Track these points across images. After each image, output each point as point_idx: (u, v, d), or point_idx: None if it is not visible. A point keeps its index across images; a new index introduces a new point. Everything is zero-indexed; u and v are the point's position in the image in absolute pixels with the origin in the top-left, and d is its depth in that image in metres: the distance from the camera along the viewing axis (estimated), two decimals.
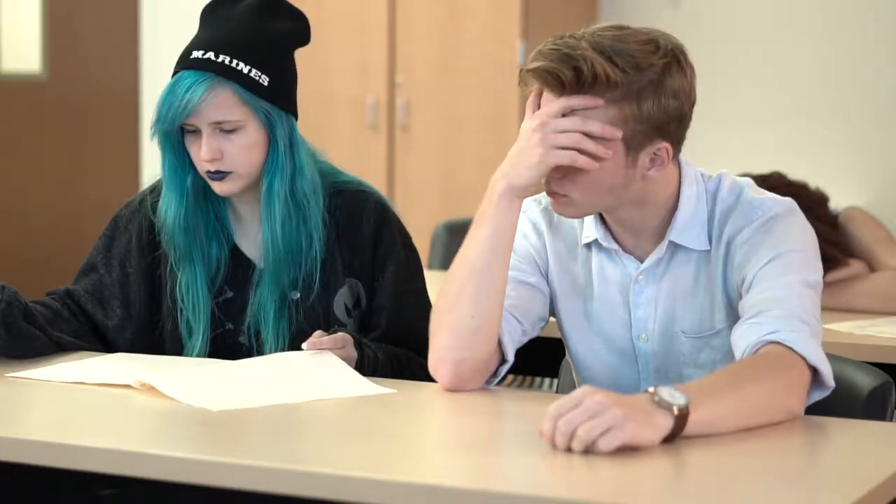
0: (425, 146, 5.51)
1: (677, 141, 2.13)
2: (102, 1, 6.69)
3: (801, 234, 2.14)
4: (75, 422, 2.05)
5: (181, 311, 2.53)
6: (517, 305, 2.22)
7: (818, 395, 2.04)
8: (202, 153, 2.43)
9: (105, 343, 2.57)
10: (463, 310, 2.13)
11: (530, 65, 2.08)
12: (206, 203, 2.54)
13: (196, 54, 2.43)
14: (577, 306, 2.27)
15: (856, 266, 3.34)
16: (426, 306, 2.41)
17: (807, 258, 2.12)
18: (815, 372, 2.01)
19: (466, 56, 5.41)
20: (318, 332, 2.37)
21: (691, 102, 2.12)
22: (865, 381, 2.20)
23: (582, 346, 2.28)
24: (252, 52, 2.43)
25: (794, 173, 3.47)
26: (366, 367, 2.36)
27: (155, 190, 2.60)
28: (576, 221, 2.27)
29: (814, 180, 3.50)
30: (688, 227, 2.17)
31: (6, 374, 2.30)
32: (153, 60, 6.14)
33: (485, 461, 1.81)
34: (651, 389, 1.81)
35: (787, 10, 5.40)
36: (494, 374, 2.20)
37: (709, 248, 2.18)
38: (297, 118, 2.51)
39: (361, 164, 5.49)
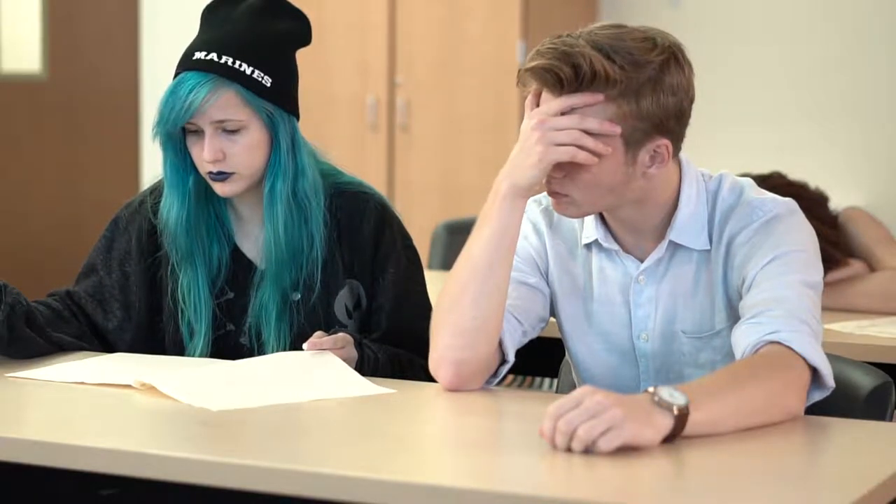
0: (425, 146, 5.51)
1: (677, 138, 2.13)
2: (102, 1, 6.69)
3: (802, 235, 2.14)
4: (75, 422, 2.05)
5: (182, 312, 2.53)
6: (517, 306, 2.22)
7: (818, 396, 2.04)
8: (205, 154, 2.43)
9: (105, 344, 2.57)
10: (465, 310, 2.13)
11: (528, 64, 2.09)
12: (207, 204, 2.54)
13: (198, 55, 2.43)
14: (577, 306, 2.27)
15: (856, 266, 3.34)
16: (426, 307, 2.41)
17: (807, 258, 2.12)
18: (815, 372, 2.01)
19: (466, 56, 5.41)
20: (318, 333, 2.37)
21: (690, 99, 2.13)
22: (865, 381, 2.20)
23: (582, 346, 2.28)
24: (254, 53, 2.43)
25: (794, 173, 3.47)
26: (366, 367, 2.36)
27: (155, 191, 2.60)
28: (576, 222, 2.27)
29: (814, 180, 3.50)
30: (688, 226, 2.17)
31: (6, 374, 2.30)
32: (153, 60, 6.14)
33: (485, 461, 1.81)
34: (651, 389, 1.81)
35: (787, 11, 5.40)
36: (494, 374, 2.20)
37: (709, 247, 2.18)
38: (298, 119, 2.51)
39: (361, 164, 5.49)
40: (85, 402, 2.15)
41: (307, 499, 1.70)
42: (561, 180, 2.11)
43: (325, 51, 5.56)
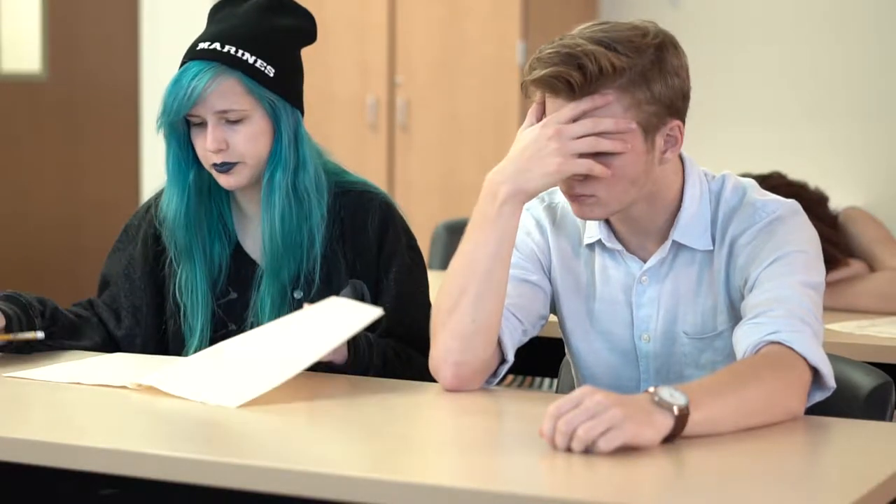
0: (425, 146, 5.51)
1: (684, 120, 2.14)
2: (102, 1, 6.69)
3: (804, 236, 2.14)
4: (75, 422, 2.05)
5: (183, 310, 2.53)
6: (518, 304, 2.22)
7: (819, 396, 2.04)
8: (208, 143, 2.43)
9: (120, 352, 2.57)
10: (464, 314, 2.13)
11: (533, 75, 2.08)
12: (209, 201, 2.55)
13: (202, 45, 2.45)
14: (579, 306, 2.27)
15: (856, 266, 3.34)
16: (429, 307, 2.41)
17: (809, 259, 2.12)
18: (816, 373, 2.01)
19: (466, 56, 5.41)
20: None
21: (689, 80, 2.14)
22: (865, 381, 2.20)
23: (583, 345, 2.28)
24: (258, 44, 2.44)
25: (794, 173, 3.47)
26: (361, 360, 2.36)
27: (161, 195, 2.60)
28: (579, 220, 2.27)
29: (814, 180, 3.50)
30: (691, 226, 2.17)
31: (4, 374, 2.30)
32: (153, 60, 6.14)
33: (485, 461, 1.81)
34: (651, 389, 1.81)
35: (787, 11, 5.40)
36: (494, 373, 2.20)
37: (712, 248, 2.18)
38: (303, 114, 2.51)
39: (361, 164, 5.49)
40: (85, 402, 2.14)
41: (307, 499, 1.70)
42: (583, 182, 2.10)
43: (325, 51, 5.56)
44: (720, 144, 5.28)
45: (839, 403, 2.12)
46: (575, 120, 2.07)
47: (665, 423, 1.79)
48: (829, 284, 2.88)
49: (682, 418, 1.80)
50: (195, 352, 2.49)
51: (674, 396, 1.81)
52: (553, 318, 2.32)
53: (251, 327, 2.50)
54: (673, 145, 2.13)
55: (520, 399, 2.34)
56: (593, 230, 2.24)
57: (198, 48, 2.45)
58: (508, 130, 5.25)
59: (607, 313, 2.25)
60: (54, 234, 6.84)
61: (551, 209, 2.30)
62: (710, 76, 5.33)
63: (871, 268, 3.36)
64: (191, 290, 2.52)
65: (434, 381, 2.20)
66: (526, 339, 2.25)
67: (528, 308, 2.24)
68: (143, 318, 2.57)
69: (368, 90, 5.55)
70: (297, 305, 2.48)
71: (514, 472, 1.76)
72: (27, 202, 6.90)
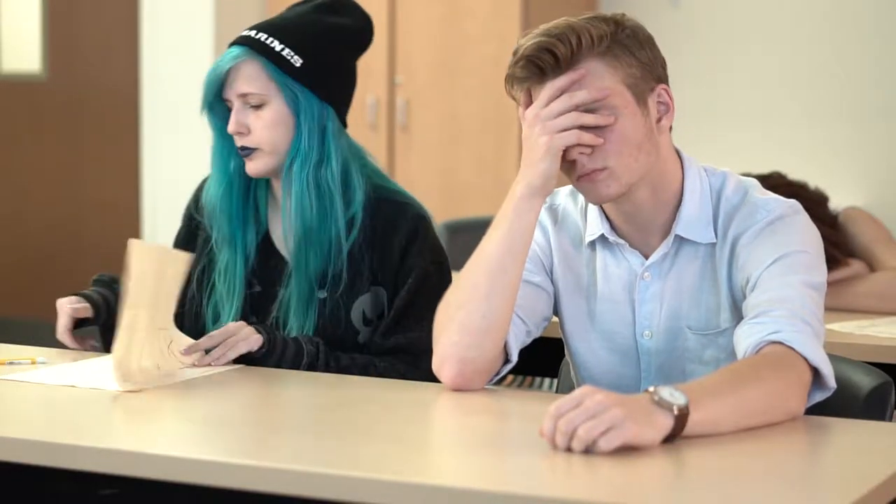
0: (425, 146, 5.51)
1: (668, 87, 2.17)
2: (102, 1, 6.69)
3: (806, 236, 2.15)
4: (75, 422, 2.05)
5: (210, 295, 2.55)
6: (522, 305, 2.22)
7: (819, 396, 2.04)
8: (229, 126, 2.48)
9: None
10: (474, 309, 2.13)
11: (516, 66, 2.11)
12: (248, 190, 2.58)
13: (243, 33, 2.51)
14: (580, 305, 2.27)
15: (856, 266, 3.34)
16: (427, 321, 2.32)
17: (811, 259, 2.12)
18: (816, 373, 2.01)
19: (466, 56, 5.41)
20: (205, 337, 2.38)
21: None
22: (865, 381, 2.20)
23: (583, 345, 2.28)
24: (290, 34, 2.49)
25: (794, 173, 3.47)
26: (277, 350, 2.39)
27: (207, 180, 2.65)
28: (580, 220, 2.27)
29: (814, 180, 3.50)
30: (693, 220, 2.18)
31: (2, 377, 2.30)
32: (153, 60, 6.14)
33: (485, 461, 1.81)
34: (651, 389, 1.82)
35: (786, 11, 5.40)
36: (496, 372, 2.21)
37: (715, 240, 2.18)
38: (339, 113, 2.53)
39: None
40: (85, 402, 2.14)
41: (307, 499, 1.70)
42: (591, 157, 2.10)
43: None
44: (720, 144, 5.28)
45: (839, 403, 2.12)
46: (552, 100, 2.09)
47: (665, 423, 1.80)
48: (829, 284, 2.87)
49: (682, 418, 1.80)
50: None
51: (674, 396, 1.81)
52: (554, 318, 2.32)
53: (275, 322, 2.51)
54: (666, 112, 2.15)
55: (520, 399, 2.35)
56: (595, 226, 2.24)
57: (240, 35, 2.51)
58: (508, 130, 5.25)
59: (608, 312, 2.25)
60: (54, 234, 6.84)
61: (553, 210, 2.30)
62: (710, 76, 5.33)
63: (871, 268, 3.36)
64: (229, 276, 2.55)
65: (437, 381, 2.19)
66: (529, 341, 2.25)
67: (531, 309, 2.24)
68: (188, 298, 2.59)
69: (368, 90, 5.55)
70: (322, 305, 2.48)
71: (515, 471, 1.76)
72: (27, 202, 6.90)
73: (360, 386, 2.30)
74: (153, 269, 2.25)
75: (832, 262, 3.19)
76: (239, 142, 2.49)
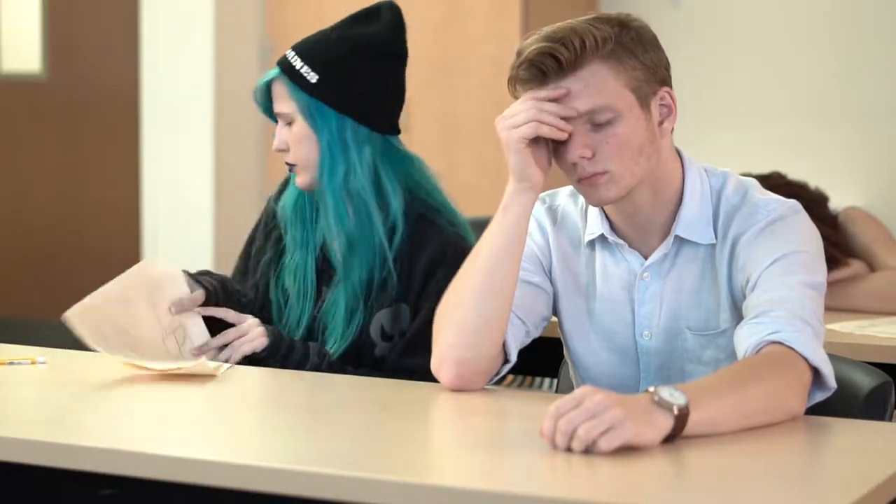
0: (425, 146, 5.50)
1: (672, 89, 2.16)
2: (102, 1, 6.69)
3: (806, 236, 2.15)
4: (75, 422, 2.05)
5: (287, 299, 2.60)
6: (521, 305, 2.22)
7: (820, 397, 2.04)
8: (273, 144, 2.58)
9: None
10: (469, 307, 2.13)
11: (519, 68, 2.11)
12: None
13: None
14: (579, 305, 2.27)
15: (856, 266, 3.34)
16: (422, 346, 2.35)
17: (811, 259, 2.12)
18: (816, 373, 2.01)
19: (466, 56, 5.41)
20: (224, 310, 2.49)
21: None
22: (865, 381, 2.20)
23: (582, 345, 2.28)
24: (310, 51, 2.55)
25: (794, 173, 3.47)
26: (280, 353, 2.44)
27: (288, 181, 2.69)
28: (579, 220, 2.27)
29: (814, 180, 3.50)
30: (693, 221, 2.18)
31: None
32: (153, 60, 6.13)
33: (485, 461, 1.81)
34: (651, 389, 1.82)
35: (786, 11, 5.40)
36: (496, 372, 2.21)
37: (714, 241, 2.18)
38: (364, 121, 2.55)
39: None
40: (85, 402, 2.15)
41: (307, 499, 1.70)
42: (591, 160, 2.11)
43: None
44: (720, 144, 5.28)
45: (839, 403, 2.12)
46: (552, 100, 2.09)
47: (665, 423, 1.80)
48: (829, 284, 2.88)
49: (682, 418, 1.80)
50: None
51: (674, 396, 1.81)
52: (553, 318, 2.32)
53: (318, 325, 2.57)
54: (668, 115, 2.14)
55: (520, 399, 2.35)
56: (595, 226, 2.24)
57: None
58: None
59: (607, 312, 2.25)
60: (54, 234, 6.84)
61: (552, 211, 2.30)
62: (710, 76, 5.33)
63: (871, 268, 3.37)
64: (299, 276, 2.60)
65: (436, 381, 2.19)
66: (528, 341, 2.25)
67: (530, 309, 2.24)
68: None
69: None
70: (365, 314, 2.51)
71: (515, 471, 1.76)
72: (27, 202, 6.90)
73: (360, 386, 2.31)
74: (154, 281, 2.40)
75: (832, 262, 3.19)
76: (284, 158, 2.58)
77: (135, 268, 2.47)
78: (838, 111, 5.33)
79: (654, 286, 2.21)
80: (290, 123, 2.55)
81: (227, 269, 2.74)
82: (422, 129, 5.50)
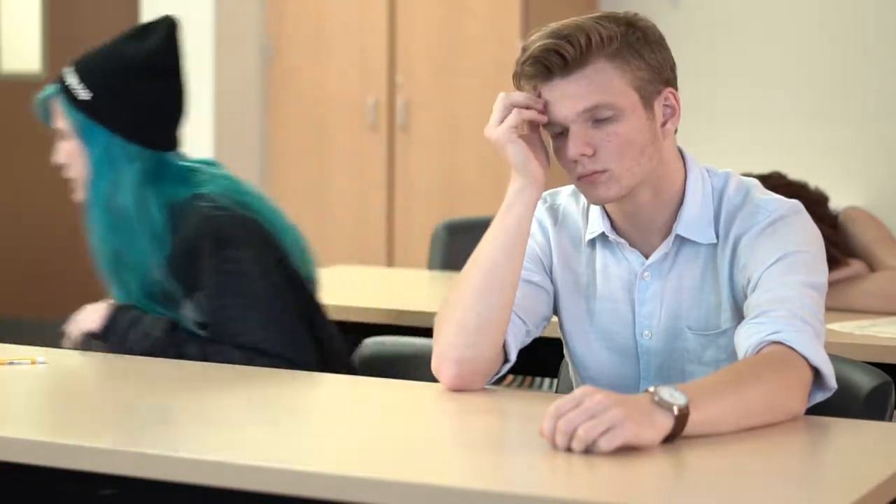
0: (425, 146, 5.51)
1: (677, 89, 2.16)
2: (102, 1, 6.69)
3: (807, 236, 2.14)
4: (75, 422, 2.05)
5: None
6: (522, 305, 2.21)
7: (820, 397, 2.03)
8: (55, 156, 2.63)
9: None
10: (469, 307, 2.13)
11: (525, 64, 2.11)
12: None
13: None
14: (579, 305, 2.27)
15: (856, 266, 3.34)
16: (252, 312, 2.47)
17: (812, 259, 2.12)
18: (817, 373, 2.01)
19: (466, 56, 5.42)
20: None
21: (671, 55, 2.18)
22: (865, 381, 2.20)
23: (582, 344, 2.27)
24: (86, 67, 2.59)
25: (794, 173, 3.47)
26: (118, 331, 2.50)
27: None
28: (581, 220, 2.27)
29: (814, 180, 3.50)
30: (694, 221, 2.17)
31: None
32: None
33: (485, 461, 1.81)
34: (651, 389, 1.82)
35: (786, 11, 5.40)
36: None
37: (716, 241, 2.17)
38: (138, 139, 2.55)
39: (361, 164, 5.49)
40: (85, 402, 2.15)
41: (307, 499, 1.70)
42: (592, 158, 2.10)
43: (325, 51, 5.56)
44: (720, 144, 5.28)
45: (839, 403, 2.12)
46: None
47: (665, 423, 1.80)
48: (829, 284, 2.88)
49: (682, 418, 1.80)
50: None
51: (674, 396, 1.81)
52: (553, 318, 2.32)
53: None
54: (671, 115, 2.14)
55: (520, 399, 2.35)
56: (596, 224, 2.24)
57: None
58: None
59: (608, 312, 2.24)
60: (54, 234, 6.83)
61: (553, 210, 2.30)
62: (710, 76, 5.33)
63: (871, 268, 3.36)
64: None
65: (436, 380, 2.19)
66: (529, 340, 2.25)
67: (531, 308, 2.24)
68: None
69: (368, 90, 5.55)
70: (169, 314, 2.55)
71: (515, 471, 1.76)
72: (27, 202, 6.90)
73: (360, 386, 2.30)
74: None
75: (832, 262, 3.18)
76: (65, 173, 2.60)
77: None
78: (838, 111, 5.33)
79: (655, 286, 2.21)
80: (68, 139, 2.57)
81: None
82: (422, 129, 5.50)
